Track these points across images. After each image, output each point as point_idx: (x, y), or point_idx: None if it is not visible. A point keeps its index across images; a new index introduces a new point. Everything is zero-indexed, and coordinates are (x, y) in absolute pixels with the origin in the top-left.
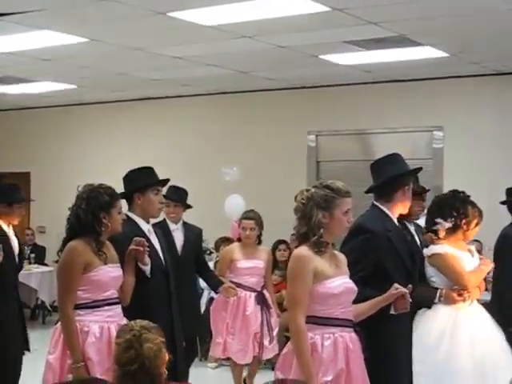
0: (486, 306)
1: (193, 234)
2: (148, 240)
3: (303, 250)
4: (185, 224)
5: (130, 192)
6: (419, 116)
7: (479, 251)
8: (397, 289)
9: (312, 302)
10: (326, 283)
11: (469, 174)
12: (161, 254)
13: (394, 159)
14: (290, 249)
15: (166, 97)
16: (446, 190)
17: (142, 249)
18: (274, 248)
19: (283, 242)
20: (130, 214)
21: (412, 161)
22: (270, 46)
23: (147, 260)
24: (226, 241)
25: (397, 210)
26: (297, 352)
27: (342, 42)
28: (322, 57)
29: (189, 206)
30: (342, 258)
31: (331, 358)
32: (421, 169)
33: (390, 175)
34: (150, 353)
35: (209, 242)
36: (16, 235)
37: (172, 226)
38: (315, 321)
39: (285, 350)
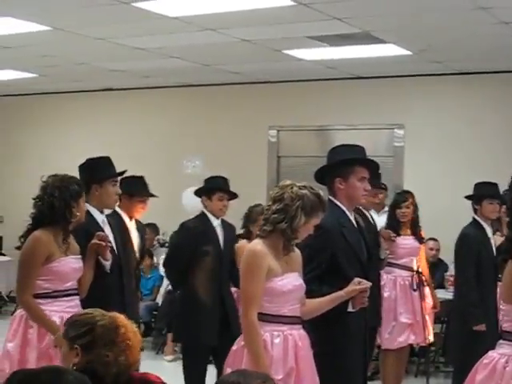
0: (448, 304)
1: (231, 231)
2: (102, 231)
3: (258, 245)
4: (222, 220)
5: (88, 182)
6: (381, 113)
7: (437, 250)
8: (359, 283)
9: (261, 298)
10: (276, 280)
11: (429, 173)
12: (114, 246)
13: (337, 150)
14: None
15: (128, 88)
16: (406, 187)
17: (104, 244)
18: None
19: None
20: (86, 205)
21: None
22: (234, 40)
23: (109, 255)
24: None
25: (348, 202)
26: (250, 347)
27: (306, 37)
28: (285, 51)
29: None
30: (296, 253)
31: (281, 357)
32: (352, 159)
33: (322, 166)
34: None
35: (167, 234)
36: None
37: (214, 222)
38: (264, 318)
39: (235, 347)
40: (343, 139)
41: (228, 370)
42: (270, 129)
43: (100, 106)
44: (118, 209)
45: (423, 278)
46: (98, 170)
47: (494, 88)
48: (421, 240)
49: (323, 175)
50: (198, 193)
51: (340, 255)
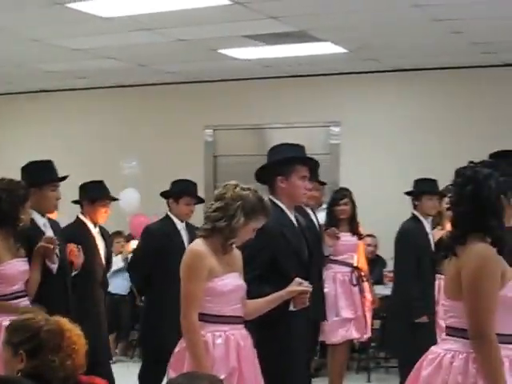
0: (386, 300)
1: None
2: (43, 234)
3: (199, 246)
4: (187, 223)
5: (29, 186)
6: (317, 111)
7: (375, 246)
8: (300, 284)
9: (201, 299)
10: (216, 281)
11: (365, 170)
12: (56, 249)
13: (277, 149)
14: None
15: (64, 89)
16: (342, 185)
17: (51, 247)
18: None
19: None
20: None
21: (309, 156)
22: (170, 39)
23: (55, 258)
24: (119, 235)
25: (289, 201)
26: (191, 348)
27: (242, 36)
28: (221, 51)
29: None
30: (237, 253)
31: (223, 357)
32: (294, 158)
33: (263, 165)
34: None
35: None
36: None
37: (179, 225)
38: (206, 318)
39: (177, 349)
40: (279, 138)
41: (172, 373)
42: (206, 128)
43: (35, 108)
44: (81, 216)
45: (362, 273)
46: (37, 173)
47: (429, 85)
48: (359, 236)
49: (264, 174)
50: (164, 194)
51: (280, 255)
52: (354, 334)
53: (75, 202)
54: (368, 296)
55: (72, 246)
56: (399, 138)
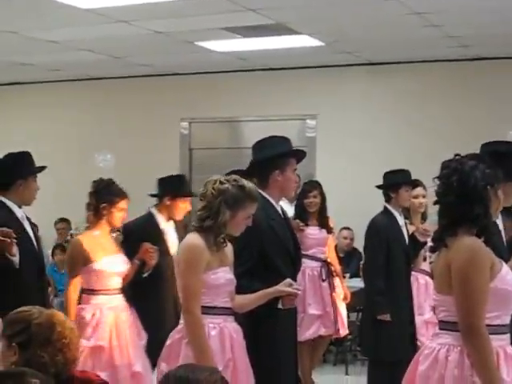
0: (363, 292)
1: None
2: (21, 226)
3: (196, 240)
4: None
5: (13, 178)
6: (293, 104)
7: (351, 239)
8: (290, 285)
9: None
10: (210, 274)
11: (340, 163)
12: (34, 241)
13: (268, 143)
14: None
15: (38, 82)
16: (318, 178)
17: (9, 240)
18: None
19: None
20: (4, 200)
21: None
22: (146, 32)
23: (15, 250)
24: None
25: (277, 194)
26: (196, 342)
27: (219, 28)
28: (197, 43)
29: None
30: (228, 247)
31: (219, 349)
32: (299, 152)
33: (258, 159)
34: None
35: (80, 229)
36: None
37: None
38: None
39: (169, 341)
40: (255, 131)
41: (163, 365)
42: (182, 121)
43: (8, 101)
44: (153, 210)
45: (332, 268)
46: (23, 165)
47: (404, 78)
48: (329, 230)
49: (258, 168)
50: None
51: (270, 248)
52: (321, 331)
53: (153, 195)
54: (339, 291)
55: (147, 246)
56: (375, 131)
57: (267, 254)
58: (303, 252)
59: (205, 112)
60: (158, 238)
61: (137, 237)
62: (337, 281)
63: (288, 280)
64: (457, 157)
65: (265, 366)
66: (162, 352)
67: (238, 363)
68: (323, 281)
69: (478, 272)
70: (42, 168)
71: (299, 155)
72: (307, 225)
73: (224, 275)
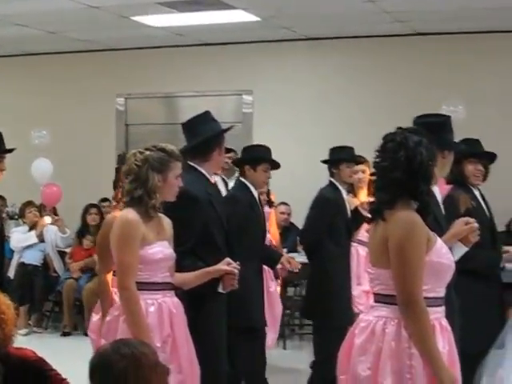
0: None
1: None
2: None
3: (131, 214)
4: None
5: None
6: (229, 80)
7: (289, 214)
8: (229, 264)
9: (137, 268)
10: (147, 249)
11: (278, 138)
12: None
13: (207, 118)
14: (101, 213)
15: None
16: None
17: None
18: (85, 212)
19: (94, 205)
20: None
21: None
22: (81, 6)
23: None
24: (30, 205)
25: (213, 169)
26: (132, 318)
27: (155, 3)
28: (133, 18)
29: None
30: (167, 222)
31: (157, 324)
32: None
33: (208, 135)
34: None
35: (16, 206)
36: None
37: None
38: (137, 286)
39: (109, 318)
40: (191, 106)
41: (103, 342)
42: (118, 97)
43: None
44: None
45: (273, 242)
46: None
47: (342, 54)
48: (271, 204)
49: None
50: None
51: (211, 225)
52: None
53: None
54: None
55: None
56: (311, 106)
57: (209, 231)
58: None
59: (141, 88)
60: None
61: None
62: None
63: (227, 259)
64: (399, 130)
65: (205, 339)
66: (102, 329)
67: (178, 338)
68: None
69: (415, 246)
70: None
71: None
72: None
73: (162, 250)
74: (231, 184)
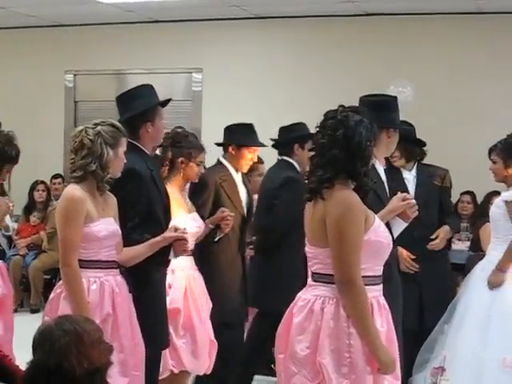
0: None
1: None
2: None
3: (77, 191)
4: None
5: None
6: (179, 58)
7: None
8: (176, 230)
9: (80, 245)
10: (92, 226)
11: (227, 117)
12: None
13: (142, 92)
14: (48, 189)
15: None
16: (204, 132)
17: None
18: (32, 188)
19: (42, 182)
20: None
21: (170, 102)
22: None
23: None
24: None
25: (149, 146)
26: (73, 295)
27: None
28: None
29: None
30: (111, 198)
31: (97, 303)
32: (168, 100)
33: (134, 112)
34: None
35: None
36: None
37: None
38: (81, 264)
39: (52, 295)
40: (141, 83)
41: (46, 319)
42: (67, 73)
43: None
44: (223, 160)
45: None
46: None
47: (292, 33)
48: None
49: (130, 121)
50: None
51: (154, 200)
52: None
53: (219, 144)
54: None
55: (225, 212)
56: (261, 84)
57: (154, 207)
58: None
59: (90, 64)
60: (232, 190)
61: (211, 189)
62: None
63: (173, 225)
64: (341, 108)
65: (150, 316)
66: (46, 307)
67: (120, 318)
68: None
69: (353, 225)
70: None
71: (165, 103)
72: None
73: (106, 227)
74: None
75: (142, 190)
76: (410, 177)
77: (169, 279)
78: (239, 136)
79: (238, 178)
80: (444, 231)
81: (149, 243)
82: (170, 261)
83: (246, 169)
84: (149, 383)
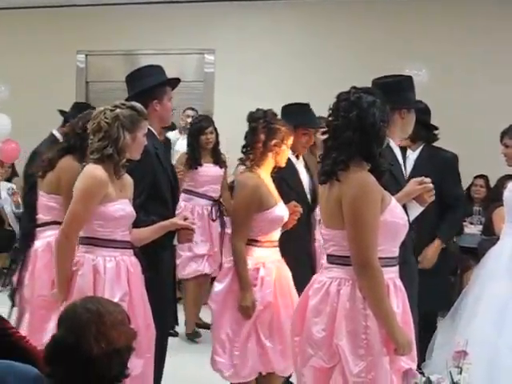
0: None
1: None
2: None
3: (99, 171)
4: None
5: None
6: (191, 39)
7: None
8: (186, 219)
9: (92, 223)
10: (109, 206)
11: (239, 98)
12: None
13: (143, 73)
14: None
15: None
16: (216, 113)
17: None
18: None
19: None
20: None
21: (182, 83)
22: None
23: None
24: None
25: (157, 125)
26: (59, 264)
27: None
28: None
29: None
30: (128, 180)
31: (114, 281)
32: (178, 80)
33: (141, 88)
34: None
35: None
36: None
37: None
38: (96, 242)
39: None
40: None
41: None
42: (78, 53)
43: None
44: None
45: (224, 207)
46: None
47: (304, 16)
48: (222, 165)
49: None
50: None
51: (160, 179)
52: (205, 269)
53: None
54: (229, 231)
55: (294, 205)
56: (274, 66)
57: (159, 186)
58: (194, 189)
59: (102, 45)
60: (293, 177)
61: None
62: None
63: (183, 214)
64: (353, 89)
65: (154, 298)
66: None
67: (135, 297)
68: (213, 220)
69: (370, 207)
70: None
71: (175, 83)
72: (201, 164)
73: (123, 207)
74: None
75: (149, 168)
76: (412, 157)
77: (262, 273)
78: (294, 116)
79: (299, 164)
80: (432, 250)
81: (157, 226)
82: (174, 246)
83: (302, 152)
84: (157, 366)
